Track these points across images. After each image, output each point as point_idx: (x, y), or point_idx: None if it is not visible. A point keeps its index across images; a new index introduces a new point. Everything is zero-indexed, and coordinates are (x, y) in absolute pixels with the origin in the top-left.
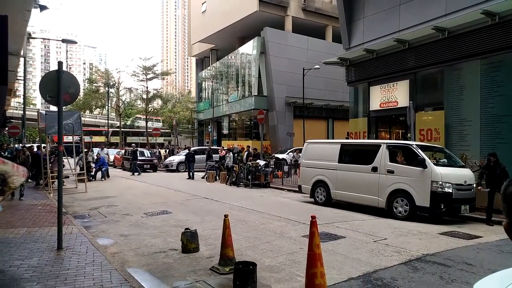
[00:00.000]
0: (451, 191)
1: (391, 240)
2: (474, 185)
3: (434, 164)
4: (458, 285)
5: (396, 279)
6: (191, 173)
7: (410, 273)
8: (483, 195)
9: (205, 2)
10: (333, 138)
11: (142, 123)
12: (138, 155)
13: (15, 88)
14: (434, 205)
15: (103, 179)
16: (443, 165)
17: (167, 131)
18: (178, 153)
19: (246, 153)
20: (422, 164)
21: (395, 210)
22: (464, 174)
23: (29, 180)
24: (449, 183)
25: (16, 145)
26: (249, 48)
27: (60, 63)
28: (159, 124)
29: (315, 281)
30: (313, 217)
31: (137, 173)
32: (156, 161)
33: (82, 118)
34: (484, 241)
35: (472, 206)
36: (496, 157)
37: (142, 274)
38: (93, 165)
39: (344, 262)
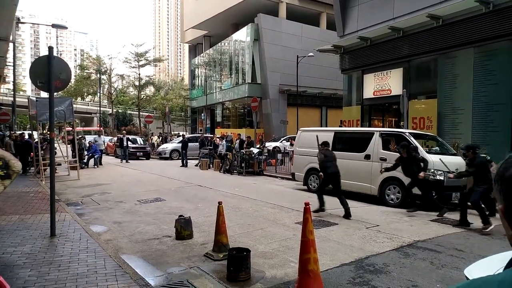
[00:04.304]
0: (442, 178)
1: (383, 227)
2: None
3: (427, 152)
4: (448, 270)
5: (388, 264)
6: (184, 160)
7: (401, 259)
8: None
9: None
10: (326, 126)
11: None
12: (124, 142)
13: (5, 74)
14: (425, 192)
15: (95, 166)
16: (435, 153)
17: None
18: (171, 140)
19: (238, 141)
20: (414, 152)
21: (387, 197)
22: (455, 162)
23: None
24: (440, 170)
25: None
26: (243, 35)
27: (50, 48)
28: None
29: (308, 267)
30: (306, 204)
31: (124, 160)
32: (149, 148)
33: (74, 105)
34: (474, 228)
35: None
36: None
37: (136, 260)
38: (85, 152)
39: (337, 248)
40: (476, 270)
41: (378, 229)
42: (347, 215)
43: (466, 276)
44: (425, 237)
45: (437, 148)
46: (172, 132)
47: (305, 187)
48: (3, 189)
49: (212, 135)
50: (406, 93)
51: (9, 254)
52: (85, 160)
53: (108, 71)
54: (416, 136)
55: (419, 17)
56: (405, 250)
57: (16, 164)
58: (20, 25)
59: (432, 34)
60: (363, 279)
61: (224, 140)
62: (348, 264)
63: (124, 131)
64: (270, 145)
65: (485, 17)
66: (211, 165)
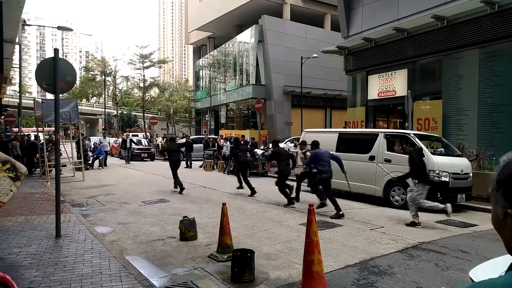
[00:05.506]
0: (448, 180)
1: (387, 228)
2: (471, 174)
3: (431, 153)
4: (454, 272)
5: (392, 266)
6: (189, 162)
7: (406, 261)
8: (479, 184)
9: None
10: (331, 128)
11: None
12: (128, 143)
13: (11, 76)
14: (431, 193)
15: (100, 167)
16: (440, 154)
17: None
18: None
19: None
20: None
21: (392, 198)
22: (460, 163)
23: None
24: (446, 172)
25: None
26: (247, 36)
27: (56, 50)
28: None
29: (313, 268)
30: (310, 205)
31: (127, 162)
32: (153, 149)
33: (79, 107)
34: (480, 230)
35: (468, 195)
36: None
37: (141, 261)
38: (90, 153)
39: (341, 250)
40: (482, 272)
41: (383, 231)
42: None
43: (471, 278)
44: (430, 238)
45: (442, 149)
46: (177, 133)
47: (309, 188)
48: (16, 190)
49: (216, 137)
50: (411, 94)
51: (15, 254)
52: (90, 161)
53: (113, 73)
54: (421, 137)
55: (423, 18)
56: (410, 251)
57: (22, 166)
58: (26, 27)
59: (437, 35)
60: (367, 281)
61: (228, 141)
62: (352, 266)
63: (127, 133)
64: None
65: (490, 18)
66: (215, 166)
